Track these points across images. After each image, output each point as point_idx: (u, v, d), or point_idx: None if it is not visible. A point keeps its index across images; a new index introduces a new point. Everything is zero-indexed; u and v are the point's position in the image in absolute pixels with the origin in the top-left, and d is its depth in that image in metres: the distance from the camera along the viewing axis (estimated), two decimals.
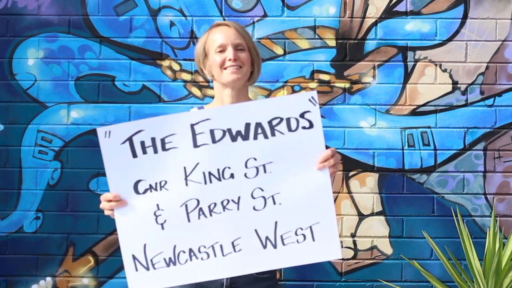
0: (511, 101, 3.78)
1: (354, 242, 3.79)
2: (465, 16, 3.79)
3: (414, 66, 3.78)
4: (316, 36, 3.79)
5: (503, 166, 3.79)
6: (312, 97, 2.14)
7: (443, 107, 3.79)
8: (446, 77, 3.79)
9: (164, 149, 2.12)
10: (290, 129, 2.13)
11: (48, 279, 3.81)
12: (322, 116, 3.78)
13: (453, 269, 3.42)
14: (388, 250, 3.80)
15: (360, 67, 3.80)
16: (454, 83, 3.79)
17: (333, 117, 3.79)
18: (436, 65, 3.79)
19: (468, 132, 3.79)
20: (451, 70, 3.79)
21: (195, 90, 3.81)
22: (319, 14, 3.79)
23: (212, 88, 3.81)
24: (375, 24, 3.79)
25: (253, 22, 3.80)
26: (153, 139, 2.12)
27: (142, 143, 2.11)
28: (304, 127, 2.14)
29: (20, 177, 3.81)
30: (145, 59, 3.81)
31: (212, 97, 3.80)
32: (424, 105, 3.79)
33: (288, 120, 2.13)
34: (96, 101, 3.82)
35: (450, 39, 3.79)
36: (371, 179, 3.79)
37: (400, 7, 3.79)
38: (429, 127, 3.79)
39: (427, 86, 3.80)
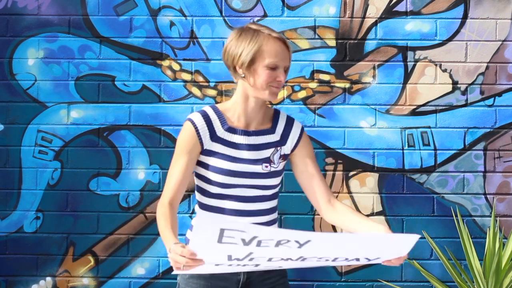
0: (511, 101, 3.78)
1: None
2: (465, 16, 3.79)
3: (414, 66, 3.78)
4: (316, 36, 3.79)
5: (503, 166, 3.79)
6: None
7: (443, 107, 3.79)
8: (446, 77, 3.79)
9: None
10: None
11: (48, 279, 3.81)
12: (322, 116, 3.80)
13: (453, 269, 3.42)
14: None
15: (360, 67, 3.80)
16: (454, 83, 3.79)
17: (333, 117, 3.79)
18: (436, 65, 3.79)
19: (468, 132, 3.79)
20: (451, 70, 3.79)
21: (195, 90, 3.81)
22: (319, 14, 3.79)
23: (212, 88, 3.81)
24: (375, 24, 3.79)
25: (253, 22, 3.79)
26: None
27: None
28: None
29: (20, 177, 3.81)
30: (145, 59, 3.81)
31: (213, 98, 3.81)
32: (424, 105, 3.79)
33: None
34: (96, 101, 3.82)
35: (450, 39, 3.79)
36: (371, 179, 3.79)
37: (400, 7, 3.79)
38: (429, 127, 3.78)
39: (427, 86, 3.80)
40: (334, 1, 3.79)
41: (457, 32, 3.78)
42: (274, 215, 2.47)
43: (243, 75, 2.31)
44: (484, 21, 3.78)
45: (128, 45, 3.81)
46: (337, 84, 3.80)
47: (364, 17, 3.79)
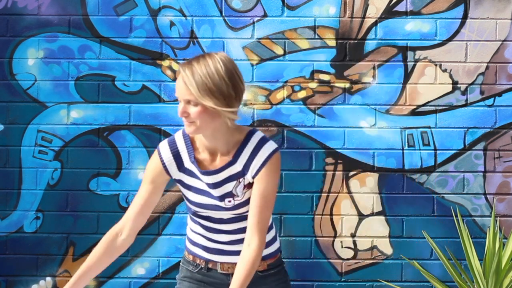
0: (511, 101, 3.78)
1: (354, 242, 3.79)
2: (465, 16, 3.79)
3: (414, 66, 3.78)
4: (316, 36, 3.79)
5: (503, 166, 3.79)
6: None
7: (443, 107, 3.79)
8: (446, 77, 3.79)
9: None
10: None
11: (48, 279, 3.81)
12: (322, 116, 3.80)
13: (453, 269, 3.42)
14: (388, 250, 3.80)
15: (360, 67, 3.80)
16: (454, 83, 3.79)
17: (333, 117, 3.79)
18: (436, 65, 3.79)
19: (468, 132, 3.79)
20: (451, 70, 3.79)
21: None
22: (319, 14, 3.79)
23: None
24: (375, 24, 3.79)
25: (253, 22, 3.79)
26: None
27: None
28: None
29: (20, 177, 3.81)
30: (145, 59, 3.81)
31: None
32: (424, 105, 3.79)
33: None
34: (96, 101, 3.82)
35: (450, 39, 3.79)
36: (371, 179, 3.79)
37: (400, 7, 3.79)
38: (429, 127, 3.79)
39: (427, 86, 3.80)
40: (334, 1, 3.79)
41: (457, 32, 3.78)
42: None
43: None
44: (484, 21, 3.78)
45: (128, 45, 3.81)
46: (337, 84, 3.80)
47: (364, 17, 3.79)
